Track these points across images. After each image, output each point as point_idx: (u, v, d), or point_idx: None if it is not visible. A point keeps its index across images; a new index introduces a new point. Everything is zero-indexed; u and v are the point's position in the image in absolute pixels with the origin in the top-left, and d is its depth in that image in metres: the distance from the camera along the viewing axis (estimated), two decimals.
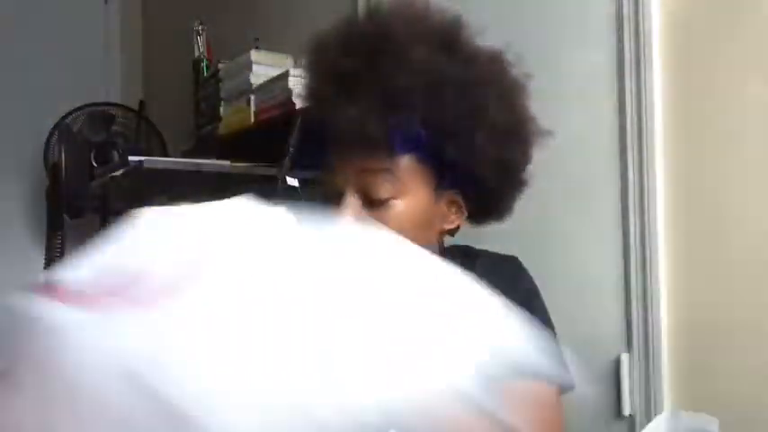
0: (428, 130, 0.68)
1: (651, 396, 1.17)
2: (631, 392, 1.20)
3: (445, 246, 0.81)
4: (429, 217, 0.72)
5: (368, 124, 0.65)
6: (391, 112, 0.66)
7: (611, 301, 1.24)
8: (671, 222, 1.17)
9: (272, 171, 1.78)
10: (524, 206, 1.38)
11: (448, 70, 0.69)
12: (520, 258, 0.87)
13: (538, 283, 0.84)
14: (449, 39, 0.72)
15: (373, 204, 0.68)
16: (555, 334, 0.77)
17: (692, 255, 1.14)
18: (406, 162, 0.69)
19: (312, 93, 0.72)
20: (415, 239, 0.66)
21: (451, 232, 0.79)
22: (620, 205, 1.23)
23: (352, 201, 0.67)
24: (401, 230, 0.66)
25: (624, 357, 1.21)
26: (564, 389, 0.60)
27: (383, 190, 0.68)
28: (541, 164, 1.38)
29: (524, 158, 0.80)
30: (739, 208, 1.08)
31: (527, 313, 0.76)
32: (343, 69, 0.69)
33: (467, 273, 0.78)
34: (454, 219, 0.76)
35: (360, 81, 0.68)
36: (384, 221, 0.67)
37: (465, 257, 0.82)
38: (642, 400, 1.18)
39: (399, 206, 0.69)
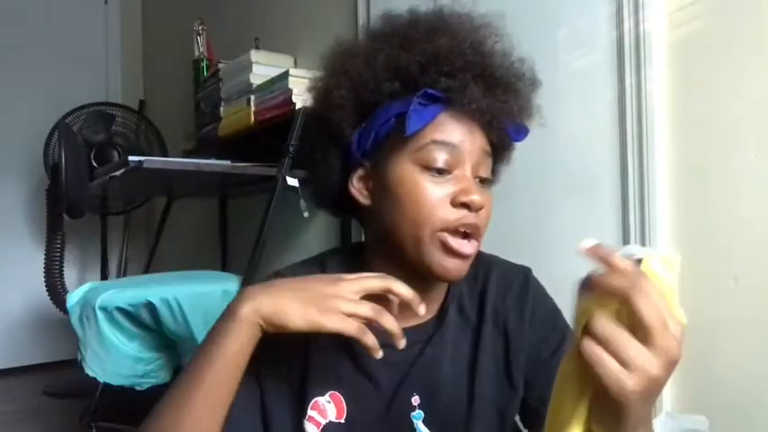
0: (518, 139, 0.74)
1: None
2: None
3: None
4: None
5: (504, 112, 0.70)
6: (516, 111, 0.71)
7: None
8: (671, 222, 1.17)
9: (272, 171, 1.77)
10: (525, 205, 1.38)
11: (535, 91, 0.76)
12: (520, 258, 0.87)
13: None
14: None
15: (481, 183, 0.71)
16: None
17: (692, 254, 1.14)
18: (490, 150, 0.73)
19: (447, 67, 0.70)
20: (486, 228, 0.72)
21: None
22: (620, 205, 1.23)
23: (472, 173, 0.70)
24: (490, 217, 0.72)
25: None
26: None
27: (489, 172, 0.73)
28: (541, 164, 1.38)
29: None
30: (739, 207, 1.08)
31: (558, 328, 0.78)
32: (483, 56, 0.71)
33: (481, 280, 0.81)
34: None
35: (500, 70, 0.72)
36: (488, 201, 0.71)
37: (478, 263, 0.82)
38: None
39: (490, 190, 0.74)
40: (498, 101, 0.69)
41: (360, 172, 0.74)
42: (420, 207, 0.67)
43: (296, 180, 1.71)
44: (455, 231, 0.68)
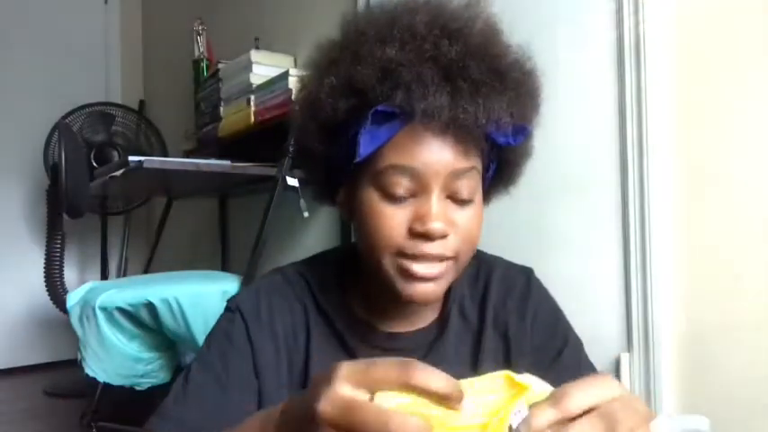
0: (514, 143, 0.64)
1: (651, 396, 1.17)
2: (631, 392, 1.20)
3: None
4: (480, 231, 0.67)
5: (477, 119, 0.59)
6: (502, 114, 0.61)
7: (611, 301, 1.24)
8: (671, 222, 1.17)
9: (272, 171, 1.77)
10: (525, 206, 1.38)
11: (535, 86, 0.67)
12: (520, 259, 0.86)
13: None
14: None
15: (456, 203, 0.63)
16: (582, 345, 0.78)
17: (692, 254, 1.14)
18: (480, 164, 0.65)
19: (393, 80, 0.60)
20: (471, 252, 0.66)
21: None
22: (620, 205, 1.23)
23: (440, 200, 0.62)
24: (476, 232, 0.65)
25: (624, 357, 1.21)
26: None
27: (470, 190, 0.63)
28: (542, 164, 1.38)
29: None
30: (739, 207, 1.08)
31: (560, 332, 0.77)
32: (449, 56, 0.61)
33: (483, 282, 0.78)
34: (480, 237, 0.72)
35: (472, 69, 0.60)
36: (466, 221, 0.64)
37: (480, 264, 0.81)
38: (642, 399, 1.18)
39: (476, 207, 0.65)
40: (467, 109, 0.59)
41: (342, 192, 0.71)
42: (377, 234, 0.62)
43: (296, 180, 1.71)
44: (415, 260, 0.62)
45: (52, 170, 2.25)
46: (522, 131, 0.64)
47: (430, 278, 0.63)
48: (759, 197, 1.05)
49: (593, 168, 1.28)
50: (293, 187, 1.71)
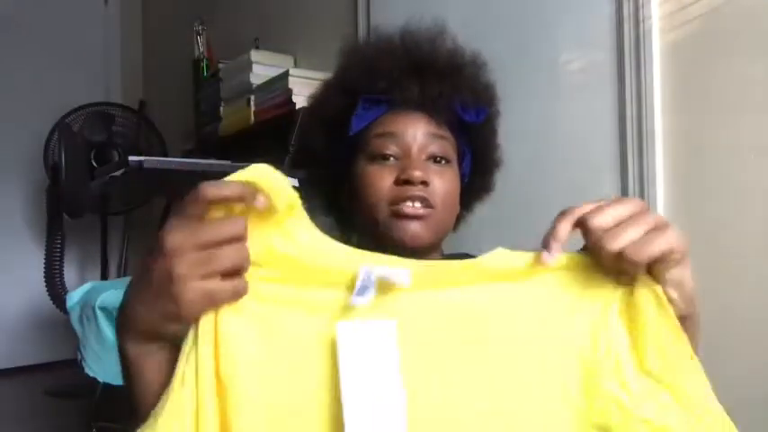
0: (477, 120, 0.80)
1: None
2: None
3: (444, 252, 0.83)
4: (457, 195, 0.80)
5: (444, 97, 0.77)
6: (464, 95, 0.79)
7: None
8: (670, 221, 1.17)
9: None
10: (524, 207, 1.38)
11: (489, 79, 0.84)
12: None
13: None
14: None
15: (434, 163, 0.77)
16: None
17: (692, 254, 1.14)
18: (452, 139, 0.79)
19: (382, 70, 0.78)
20: (451, 212, 0.79)
21: (454, 226, 0.84)
22: None
23: (419, 159, 0.76)
24: (452, 192, 0.78)
25: None
26: None
27: (445, 152, 0.78)
28: (541, 164, 1.38)
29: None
30: (739, 207, 1.08)
31: None
32: (418, 55, 0.79)
33: None
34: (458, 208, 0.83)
35: (437, 64, 0.79)
36: (441, 177, 0.76)
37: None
38: None
39: (452, 171, 0.79)
40: (433, 89, 0.77)
41: (344, 192, 0.83)
42: (371, 188, 0.76)
43: (296, 180, 1.71)
44: (404, 202, 0.74)
45: (52, 170, 2.25)
46: (483, 111, 0.80)
47: (417, 216, 0.74)
48: (759, 196, 1.05)
49: (593, 169, 1.28)
50: (293, 187, 1.71)
